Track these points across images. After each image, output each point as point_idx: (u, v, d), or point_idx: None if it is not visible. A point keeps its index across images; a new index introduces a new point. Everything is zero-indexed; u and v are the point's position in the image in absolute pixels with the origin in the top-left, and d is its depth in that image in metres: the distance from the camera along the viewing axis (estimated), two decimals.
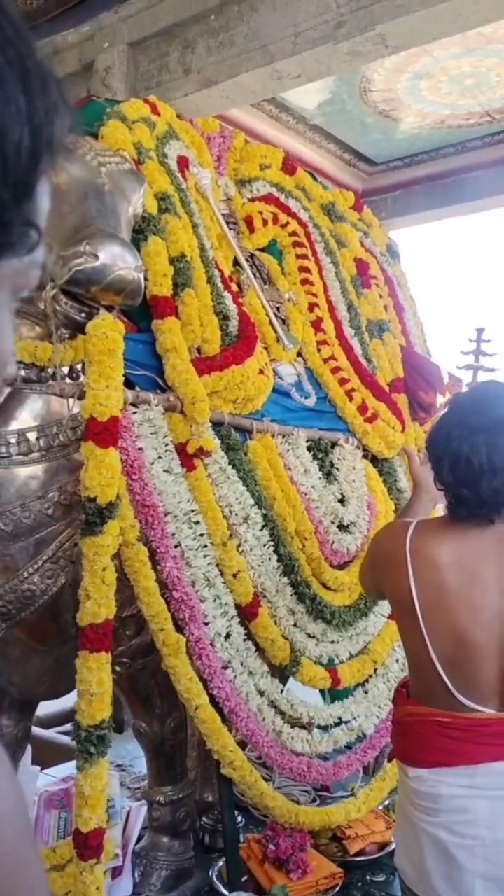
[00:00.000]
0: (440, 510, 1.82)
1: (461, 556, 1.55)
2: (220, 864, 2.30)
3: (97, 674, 1.83)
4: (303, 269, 2.91)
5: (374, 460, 2.89)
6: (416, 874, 1.57)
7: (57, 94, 0.43)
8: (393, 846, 2.43)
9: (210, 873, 2.31)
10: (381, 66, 4.95)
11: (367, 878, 2.38)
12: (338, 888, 2.24)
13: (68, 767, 2.54)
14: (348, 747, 2.58)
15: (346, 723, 2.51)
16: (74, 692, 1.92)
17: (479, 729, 1.52)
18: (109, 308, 1.92)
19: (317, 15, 4.20)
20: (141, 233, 2.19)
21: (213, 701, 2.11)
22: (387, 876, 2.38)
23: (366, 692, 2.58)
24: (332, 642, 2.50)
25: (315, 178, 3.29)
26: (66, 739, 3.18)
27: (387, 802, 2.70)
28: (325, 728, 2.45)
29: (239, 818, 2.59)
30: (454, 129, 5.66)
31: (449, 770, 1.52)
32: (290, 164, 3.13)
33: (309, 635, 2.42)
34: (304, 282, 2.89)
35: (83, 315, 1.90)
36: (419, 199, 6.14)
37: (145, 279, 2.02)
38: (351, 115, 5.55)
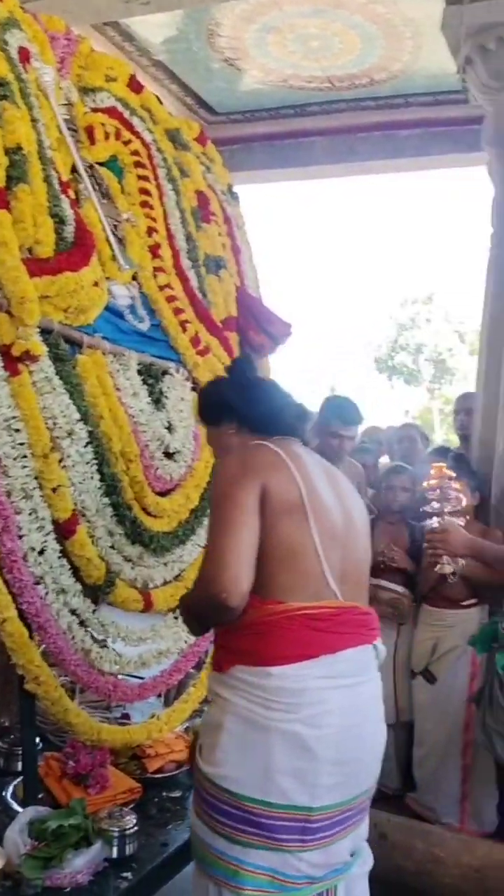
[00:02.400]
0: None
1: (310, 461, 1.82)
2: (17, 782, 2.24)
3: None
4: (143, 191, 2.83)
5: None
6: (254, 777, 1.61)
7: None
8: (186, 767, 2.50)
9: (3, 793, 2.24)
10: (231, 12, 4.90)
11: (164, 794, 2.42)
12: (135, 802, 2.26)
13: None
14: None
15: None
16: None
17: (337, 617, 1.68)
18: None
19: None
20: None
21: (22, 616, 2.04)
22: (182, 792, 2.43)
23: (175, 617, 2.60)
24: (148, 567, 2.50)
25: (161, 102, 3.20)
26: None
27: (186, 725, 2.76)
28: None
29: (37, 742, 2.53)
30: (295, 90, 5.74)
31: (314, 661, 1.64)
32: (136, 82, 3.02)
33: (125, 558, 2.39)
34: (144, 204, 2.81)
35: None
36: (257, 156, 6.19)
37: None
38: (196, 56, 5.46)
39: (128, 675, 2.51)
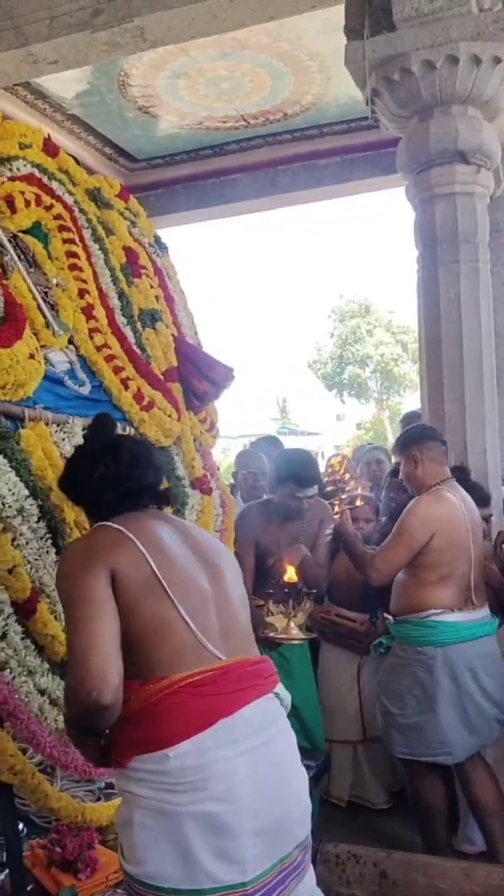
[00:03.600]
0: None
1: (157, 526, 1.81)
2: (3, 876, 2.16)
3: None
4: (70, 255, 2.82)
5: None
6: (179, 868, 1.53)
7: None
8: None
9: None
10: (140, 62, 4.98)
11: None
12: None
13: None
14: None
15: None
16: None
17: (223, 678, 1.63)
18: None
19: (73, 0, 4.12)
20: None
21: None
22: None
23: None
24: None
25: (78, 163, 3.21)
26: None
27: None
28: None
29: (20, 827, 2.45)
30: (212, 131, 5.84)
31: (211, 732, 1.57)
32: (51, 146, 3.01)
33: None
34: (73, 267, 2.80)
35: None
36: (180, 199, 6.27)
37: None
38: (110, 108, 5.53)
39: None
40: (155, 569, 1.66)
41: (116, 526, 1.73)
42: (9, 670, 2.03)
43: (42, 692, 2.13)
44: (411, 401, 23.46)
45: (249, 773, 1.58)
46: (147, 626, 1.63)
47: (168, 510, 2.63)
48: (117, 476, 1.86)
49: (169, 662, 1.62)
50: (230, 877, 1.53)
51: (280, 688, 1.75)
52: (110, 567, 1.65)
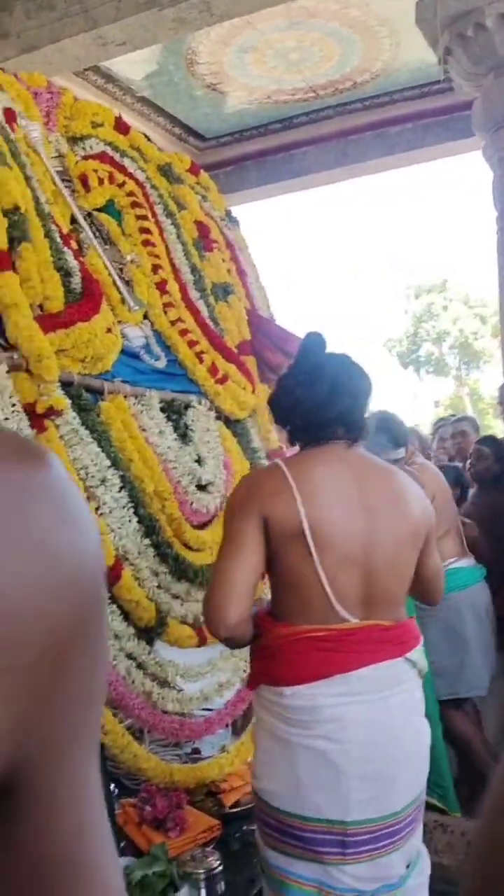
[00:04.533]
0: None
1: (329, 474, 1.72)
2: None
3: None
4: (143, 230, 2.85)
5: (228, 421, 2.90)
6: (288, 791, 1.62)
7: None
8: None
9: None
10: (207, 38, 4.96)
11: (244, 827, 2.39)
12: (216, 840, 2.24)
13: None
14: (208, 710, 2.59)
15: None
16: None
17: (348, 638, 1.65)
18: None
19: None
20: None
21: None
22: None
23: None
24: (197, 601, 2.49)
25: (149, 139, 3.23)
26: None
27: None
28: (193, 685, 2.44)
29: (111, 788, 2.53)
30: (281, 104, 5.78)
31: (324, 682, 1.63)
32: (122, 124, 3.05)
33: (173, 595, 2.39)
34: (146, 243, 2.83)
35: None
36: (251, 175, 6.23)
37: None
38: (179, 87, 5.54)
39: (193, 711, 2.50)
40: (305, 526, 1.63)
41: (284, 470, 1.70)
42: None
43: (129, 656, 2.19)
44: (494, 376, 22.83)
45: (360, 720, 1.62)
46: (285, 575, 1.68)
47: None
48: (310, 406, 1.77)
49: (296, 613, 1.67)
50: (332, 812, 1.59)
51: (415, 653, 1.74)
52: (263, 514, 1.68)
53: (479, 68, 3.60)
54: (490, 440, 3.68)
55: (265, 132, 5.97)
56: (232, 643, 1.70)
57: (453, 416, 5.89)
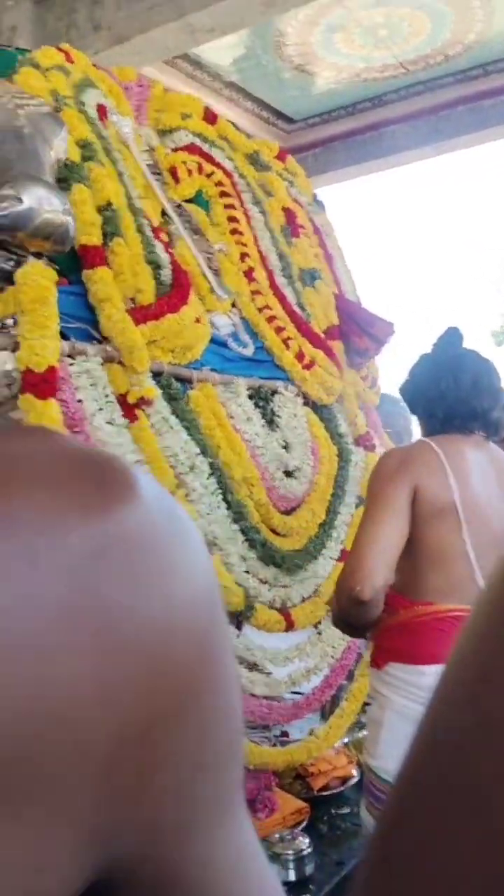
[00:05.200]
0: None
1: (478, 462, 1.79)
2: None
3: None
4: (231, 219, 2.87)
5: (315, 407, 2.90)
6: None
7: None
8: (355, 779, 2.50)
9: None
10: (294, 19, 4.91)
11: (332, 811, 2.43)
12: (304, 822, 2.28)
13: None
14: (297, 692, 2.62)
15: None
16: None
17: None
18: (38, 255, 1.86)
19: None
20: (64, 181, 2.12)
21: None
22: (351, 808, 2.43)
23: (319, 633, 2.61)
24: (285, 586, 2.52)
25: (237, 128, 3.25)
26: None
27: (346, 740, 2.76)
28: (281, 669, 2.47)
29: None
30: (370, 82, 5.67)
31: None
32: (211, 114, 3.08)
33: (261, 580, 2.43)
34: (234, 231, 2.86)
35: (11, 263, 1.83)
36: (339, 156, 6.15)
37: (73, 223, 1.97)
38: (266, 70, 5.51)
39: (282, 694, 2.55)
40: (456, 498, 1.68)
41: (436, 447, 1.77)
42: None
43: None
44: None
45: None
46: (432, 548, 1.70)
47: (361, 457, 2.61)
48: (454, 398, 1.84)
49: (441, 590, 1.68)
50: None
51: None
52: (415, 483, 1.72)
53: None
54: None
55: (354, 111, 5.88)
56: (365, 614, 1.66)
57: None
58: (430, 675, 1.64)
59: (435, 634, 1.66)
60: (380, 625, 1.79)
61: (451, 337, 1.99)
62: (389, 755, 1.68)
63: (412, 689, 1.67)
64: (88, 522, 0.29)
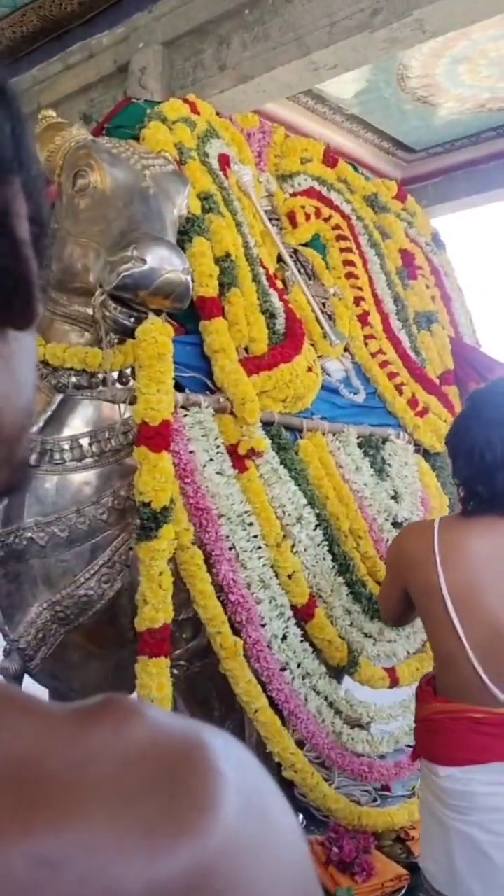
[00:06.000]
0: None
1: (488, 546, 1.57)
2: None
3: (157, 679, 1.83)
4: (347, 263, 2.87)
5: (427, 455, 2.84)
6: (444, 875, 1.55)
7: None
8: None
9: None
10: (419, 52, 4.86)
11: None
12: (404, 890, 2.21)
13: None
14: (409, 746, 2.55)
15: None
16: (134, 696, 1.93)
17: None
18: (158, 312, 1.91)
19: (352, 3, 4.15)
20: (185, 233, 2.18)
21: (272, 703, 2.10)
22: None
23: None
24: (390, 641, 2.46)
25: (357, 169, 3.24)
26: None
27: None
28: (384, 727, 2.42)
29: (300, 819, 2.57)
30: (494, 112, 5.53)
31: (482, 767, 1.52)
32: (330, 157, 3.09)
33: (366, 635, 2.39)
34: (349, 275, 2.85)
35: (132, 320, 1.89)
36: (460, 185, 6.02)
37: (192, 281, 2.01)
38: (388, 102, 5.47)
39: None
40: (447, 601, 1.53)
41: (434, 536, 1.58)
42: (289, 671, 2.13)
43: (319, 694, 2.22)
44: None
45: None
46: (437, 648, 1.64)
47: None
48: (467, 479, 1.63)
49: (454, 688, 1.59)
50: None
51: None
52: (403, 583, 1.69)
53: None
54: None
55: (477, 141, 5.76)
56: None
57: None
58: (443, 777, 1.55)
59: (451, 734, 1.56)
60: (417, 715, 1.72)
61: (484, 400, 1.67)
62: (426, 855, 1.63)
63: (435, 788, 1.59)
64: (153, 858, 0.25)
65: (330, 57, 4.38)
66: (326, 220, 2.90)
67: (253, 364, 2.20)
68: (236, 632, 2.04)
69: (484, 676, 1.52)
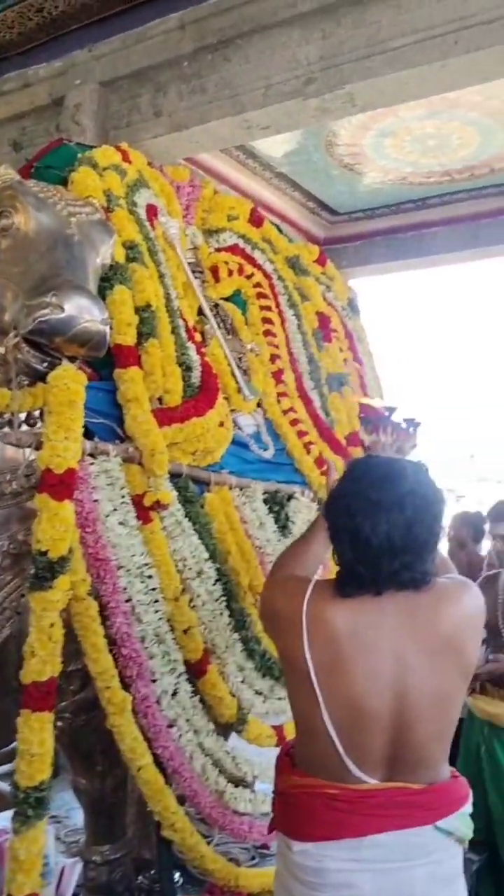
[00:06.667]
0: None
1: (356, 622, 1.51)
2: None
3: (39, 734, 1.78)
4: (266, 321, 2.93)
5: None
6: None
7: None
8: None
9: None
10: (348, 122, 5.06)
11: None
12: None
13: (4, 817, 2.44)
14: None
15: None
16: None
17: (366, 800, 1.49)
18: (72, 359, 1.90)
19: (288, 70, 4.28)
20: (107, 281, 2.18)
21: (157, 759, 2.07)
22: None
23: None
24: (280, 698, 2.47)
25: (281, 231, 3.34)
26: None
27: None
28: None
29: (177, 876, 2.53)
30: (415, 185, 5.80)
31: (335, 844, 1.48)
32: (257, 216, 3.17)
33: (257, 692, 2.39)
34: (267, 333, 2.91)
35: (45, 365, 1.87)
36: (379, 251, 6.27)
37: (110, 330, 2.01)
38: (316, 165, 5.66)
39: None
40: (311, 672, 1.48)
41: (304, 602, 1.52)
42: (176, 728, 2.11)
43: (205, 752, 2.20)
44: None
45: (372, 889, 1.46)
46: (298, 717, 1.61)
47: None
48: (349, 561, 1.55)
49: (312, 763, 1.55)
50: None
51: (450, 821, 1.53)
52: (276, 643, 1.68)
53: None
54: None
55: (397, 210, 6.01)
56: None
57: None
58: (296, 852, 1.51)
59: (306, 809, 1.52)
60: (274, 786, 1.68)
61: (397, 468, 1.61)
62: None
63: (288, 863, 1.55)
64: None
65: (263, 117, 4.51)
66: (249, 277, 2.96)
67: (165, 415, 2.21)
68: (125, 686, 2.01)
69: (342, 752, 1.49)
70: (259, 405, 2.80)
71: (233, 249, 2.95)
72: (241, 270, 2.94)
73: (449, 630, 1.53)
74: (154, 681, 2.07)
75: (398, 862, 1.48)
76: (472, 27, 2.84)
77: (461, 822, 1.55)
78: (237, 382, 2.67)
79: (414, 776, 1.52)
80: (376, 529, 1.50)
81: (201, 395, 2.35)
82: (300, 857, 1.52)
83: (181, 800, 2.19)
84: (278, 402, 2.84)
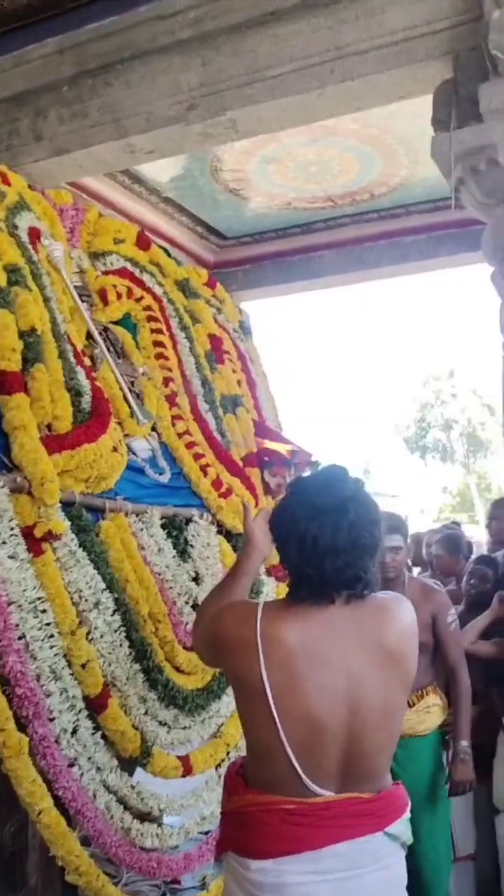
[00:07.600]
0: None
1: (309, 639, 1.56)
2: None
3: None
4: (157, 344, 2.91)
5: (229, 536, 2.88)
6: None
7: None
8: None
9: None
10: (232, 148, 5.14)
11: None
12: None
13: None
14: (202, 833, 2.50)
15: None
16: None
17: (322, 813, 1.54)
18: None
19: (170, 95, 4.30)
20: None
21: (58, 801, 1.98)
22: None
23: (219, 777, 2.51)
24: (185, 728, 2.43)
25: (169, 254, 3.33)
26: None
27: None
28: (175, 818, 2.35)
29: None
30: (300, 210, 5.95)
31: (294, 858, 1.52)
32: (144, 240, 3.15)
33: (161, 723, 2.33)
34: (159, 356, 2.89)
35: None
36: (268, 274, 6.37)
37: None
38: (202, 190, 5.71)
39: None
40: (269, 695, 1.51)
41: (257, 623, 1.55)
42: (77, 767, 2.03)
43: (109, 789, 2.12)
44: (499, 465, 22.97)
45: None
46: (254, 741, 1.62)
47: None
48: (297, 564, 1.61)
49: (268, 782, 1.58)
50: None
51: (397, 826, 1.60)
52: (228, 668, 1.67)
53: (490, 199, 3.69)
54: (488, 561, 3.63)
55: (284, 235, 6.14)
56: None
57: (454, 522, 5.85)
58: (254, 870, 1.53)
59: (263, 826, 1.55)
60: (223, 808, 1.68)
61: (335, 479, 1.67)
62: None
63: (244, 882, 1.56)
64: None
65: (147, 142, 4.51)
66: (138, 300, 2.93)
67: (55, 442, 2.14)
68: (22, 727, 1.91)
69: (299, 769, 1.52)
70: (153, 429, 2.76)
71: (121, 273, 2.92)
72: (129, 294, 2.90)
73: (392, 643, 1.60)
74: (52, 719, 1.98)
75: (353, 870, 1.53)
76: (346, 57, 2.94)
77: (405, 826, 1.64)
78: (130, 407, 2.63)
79: (364, 786, 1.58)
80: (322, 531, 1.57)
81: (93, 420, 2.30)
82: (258, 874, 1.53)
83: (85, 841, 2.11)
84: (173, 425, 2.82)
